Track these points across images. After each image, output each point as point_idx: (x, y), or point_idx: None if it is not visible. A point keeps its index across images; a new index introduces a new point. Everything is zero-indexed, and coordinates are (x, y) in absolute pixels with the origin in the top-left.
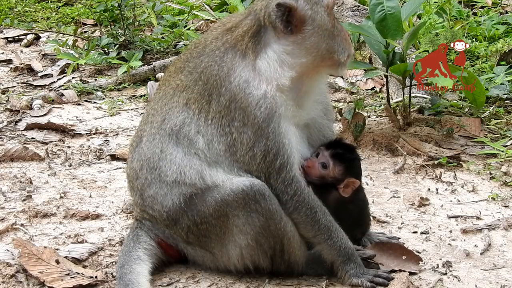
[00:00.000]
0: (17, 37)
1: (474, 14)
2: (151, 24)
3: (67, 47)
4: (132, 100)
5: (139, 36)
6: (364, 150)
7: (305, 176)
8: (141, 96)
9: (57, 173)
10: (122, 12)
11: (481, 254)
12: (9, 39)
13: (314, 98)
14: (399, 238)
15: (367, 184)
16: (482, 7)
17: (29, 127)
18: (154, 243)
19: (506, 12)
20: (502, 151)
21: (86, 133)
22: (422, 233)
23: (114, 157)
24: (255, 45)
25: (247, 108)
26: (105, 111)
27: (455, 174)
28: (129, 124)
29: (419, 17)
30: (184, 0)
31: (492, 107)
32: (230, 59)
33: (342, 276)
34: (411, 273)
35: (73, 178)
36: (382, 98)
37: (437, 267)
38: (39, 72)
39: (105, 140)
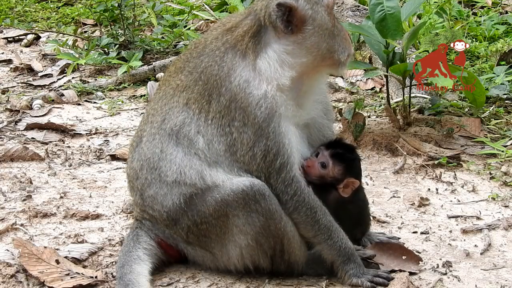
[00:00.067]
0: (17, 37)
1: (474, 14)
2: (151, 24)
3: (67, 47)
4: (132, 100)
5: (139, 36)
6: (364, 150)
7: (305, 176)
8: (141, 96)
9: (57, 173)
10: (122, 12)
11: (481, 254)
12: (9, 39)
13: (314, 98)
14: (399, 238)
15: (367, 184)
16: (482, 7)
17: (29, 127)
18: (154, 243)
19: (506, 12)
20: (502, 151)
21: (86, 133)
22: (422, 233)
23: (114, 157)
24: (255, 45)
25: (248, 108)
26: (105, 111)
27: (455, 174)
28: (129, 124)
29: (419, 17)
30: (184, 0)
31: (492, 107)
32: (230, 59)
33: (342, 276)
34: (411, 273)
35: (73, 178)
36: (382, 98)
37: (437, 267)
38: (39, 72)
39: (105, 140)
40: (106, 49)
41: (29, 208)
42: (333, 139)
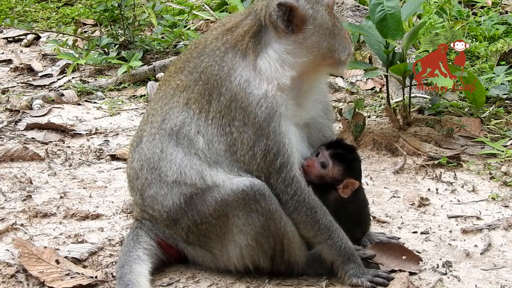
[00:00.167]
0: (17, 37)
1: (474, 14)
2: (151, 24)
3: (67, 47)
4: (132, 100)
5: (139, 36)
6: (364, 150)
7: (305, 176)
8: (141, 96)
9: (57, 173)
10: (122, 12)
11: (481, 254)
12: (9, 39)
13: (314, 98)
14: (399, 238)
15: (367, 184)
16: (482, 7)
17: (29, 127)
18: (154, 243)
19: (506, 12)
20: (502, 151)
21: (86, 133)
22: (422, 233)
23: (114, 157)
24: (256, 45)
25: (248, 108)
26: (105, 111)
27: (455, 174)
28: (129, 124)
29: (419, 17)
30: (184, 0)
31: (492, 107)
32: (230, 59)
33: (342, 276)
34: (411, 273)
35: (73, 178)
36: (382, 98)
37: (437, 267)
38: (39, 72)
39: (105, 140)
40: (106, 49)
41: (29, 208)
42: (334, 139)
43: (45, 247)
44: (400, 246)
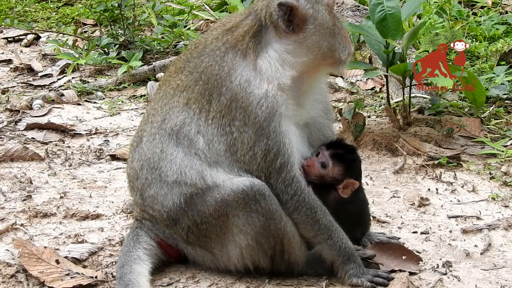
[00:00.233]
0: (17, 37)
1: (474, 14)
2: (151, 24)
3: (67, 47)
4: (132, 100)
5: (139, 36)
6: (364, 150)
7: (305, 176)
8: (141, 96)
9: (57, 173)
10: (122, 12)
11: (481, 254)
12: (9, 39)
13: (314, 97)
14: (399, 238)
15: (367, 184)
16: (482, 7)
17: (29, 127)
18: (154, 243)
19: (506, 12)
20: (502, 151)
21: (86, 133)
22: (422, 233)
23: (114, 157)
24: (256, 45)
25: (248, 107)
26: (105, 111)
27: (455, 174)
28: (129, 124)
29: (419, 17)
30: (184, 0)
31: (492, 107)
32: (231, 59)
33: (342, 276)
34: (411, 273)
35: (73, 178)
36: (382, 98)
37: (437, 267)
38: (39, 72)
39: (105, 140)
40: (106, 49)
41: (29, 208)
42: (334, 139)
43: (45, 247)
44: (400, 246)
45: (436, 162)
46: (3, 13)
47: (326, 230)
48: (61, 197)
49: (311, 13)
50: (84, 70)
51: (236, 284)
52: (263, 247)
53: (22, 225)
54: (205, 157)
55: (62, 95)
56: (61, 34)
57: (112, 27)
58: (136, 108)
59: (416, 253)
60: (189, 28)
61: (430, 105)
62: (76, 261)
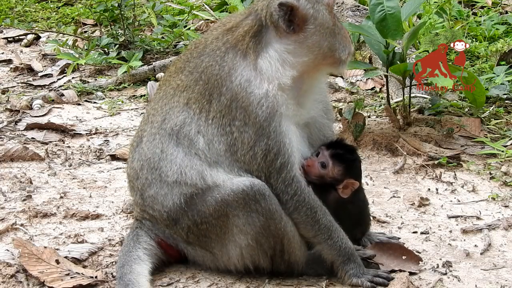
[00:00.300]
0: (17, 37)
1: (474, 14)
2: (151, 24)
3: (67, 47)
4: (132, 100)
5: (139, 36)
6: (364, 150)
7: (305, 176)
8: (141, 96)
9: (57, 173)
10: (122, 12)
11: (481, 254)
12: (9, 39)
13: (314, 97)
14: (399, 238)
15: (367, 184)
16: (482, 7)
17: (29, 127)
18: (154, 243)
19: (506, 12)
20: (502, 151)
21: (86, 133)
22: (422, 233)
23: (114, 157)
24: (256, 45)
25: (249, 107)
26: (105, 111)
27: (455, 174)
28: (129, 124)
29: (419, 17)
30: (184, 0)
31: (492, 107)
32: (231, 58)
33: (342, 276)
34: (411, 273)
35: (73, 178)
36: (382, 98)
37: (437, 267)
38: (39, 72)
39: (105, 140)
40: (106, 49)
41: (29, 208)
42: (334, 139)
43: (45, 247)
44: (400, 246)
45: (436, 162)
46: (3, 13)
47: (326, 230)
48: (61, 197)
49: (311, 13)
50: (84, 70)
51: (236, 284)
52: (263, 247)
53: (22, 225)
54: (205, 157)
55: (62, 95)
56: (61, 34)
57: (112, 27)
58: (136, 108)
59: (416, 253)
60: (189, 28)
61: (430, 105)
62: (76, 261)
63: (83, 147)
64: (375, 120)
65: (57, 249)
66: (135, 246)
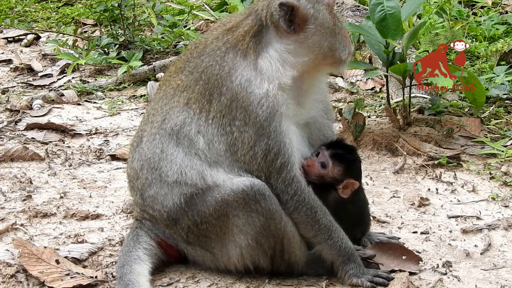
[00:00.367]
0: (17, 37)
1: (474, 14)
2: (151, 24)
3: (67, 47)
4: (132, 100)
5: (139, 36)
6: (364, 150)
7: (305, 176)
8: (141, 96)
9: (57, 173)
10: (122, 12)
11: (481, 254)
12: (9, 39)
13: (314, 97)
14: (399, 238)
15: (367, 184)
16: (482, 7)
17: (29, 127)
18: (154, 243)
19: (506, 12)
20: (502, 151)
21: (86, 133)
22: (422, 233)
23: (114, 157)
24: (256, 45)
25: (249, 107)
26: (105, 111)
27: (455, 174)
28: (129, 124)
29: (419, 17)
30: (184, 0)
31: (492, 107)
32: (231, 58)
33: (342, 276)
34: (411, 273)
35: (73, 178)
36: (382, 98)
37: (437, 267)
38: (39, 72)
39: (105, 140)
40: (106, 49)
41: (29, 208)
42: (334, 139)
43: (45, 247)
44: (400, 246)
45: (436, 162)
46: (3, 13)
47: (326, 230)
48: (61, 197)
49: (312, 13)
50: (84, 70)
51: (236, 284)
52: (263, 247)
53: (22, 225)
54: (205, 157)
55: (62, 95)
56: (61, 34)
57: (112, 27)
58: (136, 108)
59: (416, 253)
60: (189, 28)
61: (430, 105)
62: (76, 261)
63: (83, 147)
64: (375, 120)
65: (57, 249)
66: (135, 246)
